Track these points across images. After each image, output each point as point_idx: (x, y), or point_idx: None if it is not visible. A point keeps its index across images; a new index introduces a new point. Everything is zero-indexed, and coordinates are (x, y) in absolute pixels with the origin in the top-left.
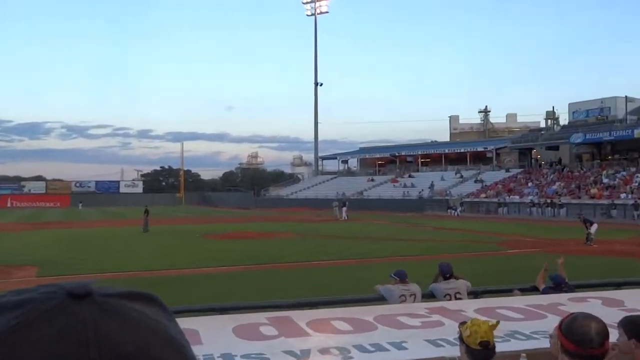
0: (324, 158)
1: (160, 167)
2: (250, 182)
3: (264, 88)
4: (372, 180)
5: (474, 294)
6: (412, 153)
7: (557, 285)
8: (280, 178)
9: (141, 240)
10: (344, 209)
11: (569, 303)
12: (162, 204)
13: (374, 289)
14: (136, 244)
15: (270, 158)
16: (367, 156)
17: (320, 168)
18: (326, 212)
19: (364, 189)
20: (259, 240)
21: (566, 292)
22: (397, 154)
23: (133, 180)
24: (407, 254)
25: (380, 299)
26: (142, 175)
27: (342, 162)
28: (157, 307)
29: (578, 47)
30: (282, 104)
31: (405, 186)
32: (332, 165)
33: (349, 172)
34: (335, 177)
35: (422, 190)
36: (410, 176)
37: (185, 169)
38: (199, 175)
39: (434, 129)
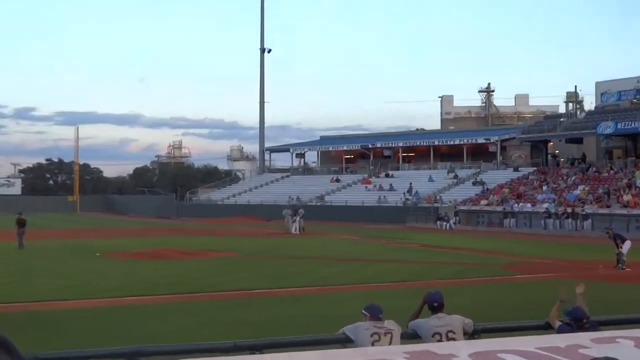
0: (272, 150)
1: (47, 159)
2: (172, 182)
3: (190, 53)
4: (337, 180)
5: (470, 334)
6: (390, 145)
7: (577, 322)
8: (212, 176)
9: (11, 261)
10: (297, 218)
11: (593, 345)
12: (48, 211)
13: (339, 332)
14: (3, 266)
15: (199, 149)
16: (330, 148)
17: (267, 164)
18: (276, 223)
19: (325, 193)
20: (184, 262)
21: (588, 330)
22: (370, 146)
23: (8, 177)
24: (384, 281)
25: (346, 342)
26: (21, 171)
27: (297, 155)
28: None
29: (609, 9)
30: (216, 76)
31: (381, 189)
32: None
33: (306, 170)
34: (287, 176)
35: (404, 194)
36: (388, 175)
37: (82, 162)
38: (101, 172)
39: (419, 113)
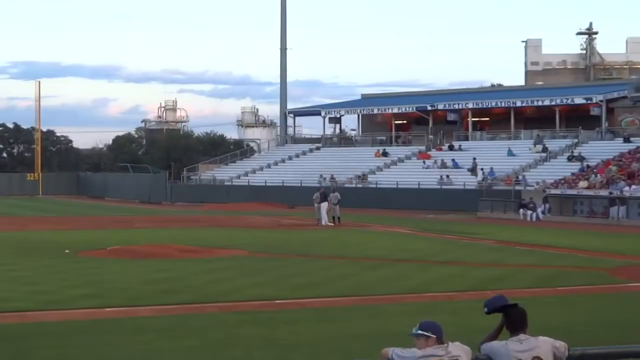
0: (297, 113)
1: None
2: (164, 156)
3: None
4: (385, 154)
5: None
6: (456, 106)
7: None
8: (218, 148)
9: None
10: (330, 204)
11: None
12: (1, 193)
13: (382, 354)
14: None
15: (200, 112)
16: (375, 111)
17: (290, 131)
18: (302, 211)
19: (369, 171)
20: (182, 262)
21: None
22: (429, 108)
23: None
24: (445, 290)
25: None
26: None
27: (331, 121)
28: None
29: None
30: (222, 14)
31: (443, 166)
32: (312, 127)
33: (343, 140)
34: (317, 148)
35: (474, 173)
36: (452, 148)
37: (45, 129)
38: (71, 142)
39: (496, 64)
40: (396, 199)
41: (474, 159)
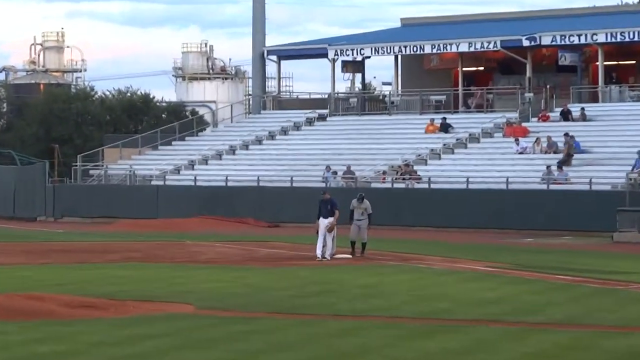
0: (284, 55)
1: None
2: (42, 132)
3: None
4: (444, 128)
5: None
6: (574, 40)
7: None
8: (137, 120)
9: None
10: (356, 224)
11: None
12: None
13: None
14: None
15: (107, 52)
16: (426, 49)
17: (271, 89)
18: (294, 232)
19: (416, 158)
20: (77, 326)
21: None
22: (526, 44)
23: None
24: None
25: None
26: None
27: (346, 68)
28: None
29: None
30: None
31: (552, 149)
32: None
33: (370, 103)
34: (321, 119)
35: (611, 163)
36: (568, 116)
37: None
38: None
39: None
40: (466, 209)
41: (609, 135)
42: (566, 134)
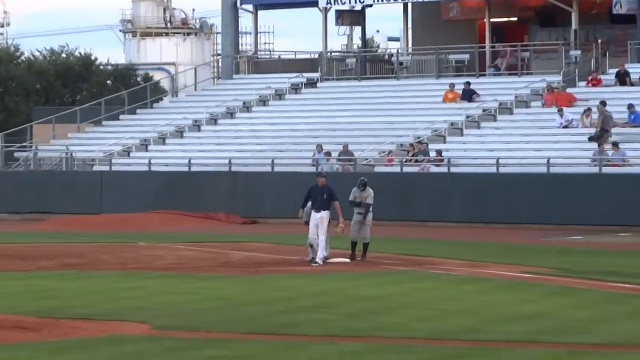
0: (262, 4)
1: None
2: None
3: None
4: (467, 95)
5: None
6: None
7: None
8: (77, 87)
9: None
10: (359, 219)
11: None
12: None
13: None
14: None
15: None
16: None
17: (246, 47)
18: (278, 230)
19: (431, 133)
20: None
21: None
22: None
23: None
24: None
25: None
26: None
27: (342, 20)
28: None
29: None
30: None
31: (606, 122)
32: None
33: (372, 64)
34: (310, 86)
35: None
36: (625, 79)
37: None
38: None
39: None
40: (495, 200)
41: None
42: (602, 103)
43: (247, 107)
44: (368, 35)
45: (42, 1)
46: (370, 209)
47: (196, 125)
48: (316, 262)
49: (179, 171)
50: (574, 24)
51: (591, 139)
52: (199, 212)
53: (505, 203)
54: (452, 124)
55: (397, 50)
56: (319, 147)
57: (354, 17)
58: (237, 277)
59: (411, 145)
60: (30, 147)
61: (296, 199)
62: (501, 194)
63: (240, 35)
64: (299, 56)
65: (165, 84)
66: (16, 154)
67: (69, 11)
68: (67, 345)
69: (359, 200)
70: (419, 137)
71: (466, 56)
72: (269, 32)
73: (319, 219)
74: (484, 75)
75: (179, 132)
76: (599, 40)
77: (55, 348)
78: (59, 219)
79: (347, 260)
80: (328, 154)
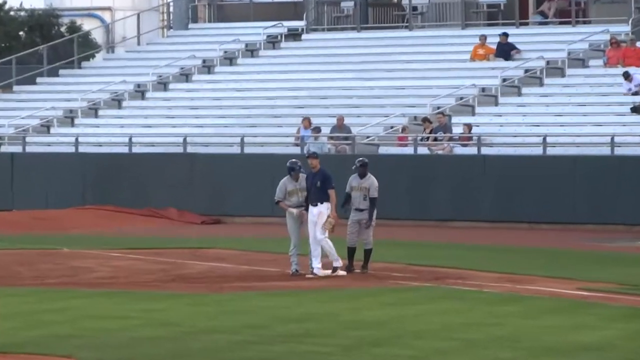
0: None
1: None
2: None
3: None
4: (503, 52)
5: None
6: None
7: None
8: None
9: None
10: (362, 214)
11: None
12: None
13: None
14: None
15: None
16: None
17: None
18: (251, 230)
19: (455, 102)
20: None
21: None
22: None
23: None
24: None
25: None
26: None
27: None
28: None
29: None
30: None
31: None
32: None
33: (375, 9)
34: (292, 39)
35: None
36: None
37: None
38: None
39: None
40: (540, 191)
41: None
42: None
43: (207, 67)
44: None
45: None
46: (370, 201)
47: (139, 92)
48: (314, 274)
49: (116, 153)
50: None
51: (635, 108)
52: (142, 209)
53: (554, 196)
54: (483, 89)
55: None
56: (306, 122)
57: None
58: (193, 295)
59: (427, 118)
60: None
61: (273, 191)
62: (549, 183)
63: None
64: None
65: (97, 35)
66: None
67: None
68: None
69: (356, 192)
70: (439, 108)
71: (497, 4)
72: None
73: (316, 216)
74: (526, 24)
75: (117, 101)
76: None
77: None
78: None
79: (343, 272)
80: (317, 129)
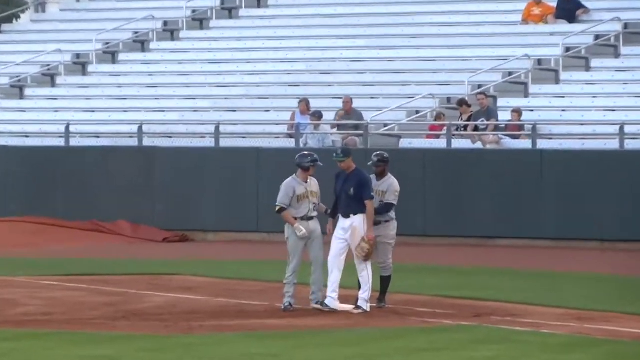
0: None
1: None
2: None
3: None
4: (567, 13)
5: None
6: None
7: None
8: None
9: None
10: (378, 227)
11: None
12: None
13: None
14: None
15: None
16: None
17: None
18: (235, 257)
19: (502, 75)
20: None
21: None
22: None
23: None
24: None
25: None
26: None
27: None
28: None
29: None
30: None
31: None
32: None
33: None
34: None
35: None
36: None
37: None
38: None
39: None
40: (618, 198)
41: None
42: None
43: (170, 32)
44: None
45: None
46: (393, 213)
47: (79, 64)
48: (324, 306)
49: (49, 146)
50: None
51: None
52: (84, 221)
53: (636, 204)
54: (539, 62)
55: None
56: (302, 105)
57: None
58: (151, 337)
59: (464, 101)
60: None
61: (257, 197)
62: (628, 187)
63: None
64: None
65: None
66: None
67: None
68: None
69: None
70: (480, 87)
71: None
72: None
73: (348, 230)
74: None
75: (49, 77)
76: None
77: None
78: None
79: (351, 307)
80: (317, 115)
